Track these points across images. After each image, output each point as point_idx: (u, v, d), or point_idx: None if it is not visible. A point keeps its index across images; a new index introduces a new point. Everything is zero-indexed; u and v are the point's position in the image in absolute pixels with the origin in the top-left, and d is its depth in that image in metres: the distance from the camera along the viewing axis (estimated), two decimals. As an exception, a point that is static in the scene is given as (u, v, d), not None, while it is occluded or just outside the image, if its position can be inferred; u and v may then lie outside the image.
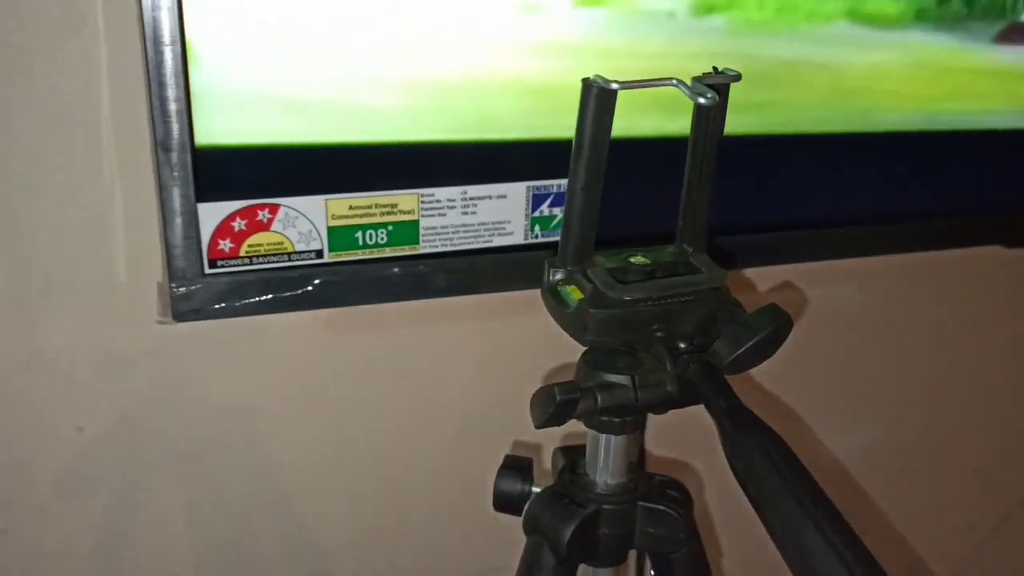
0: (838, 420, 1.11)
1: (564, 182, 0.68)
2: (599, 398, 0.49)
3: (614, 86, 0.41)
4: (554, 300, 0.48)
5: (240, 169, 0.58)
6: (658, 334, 0.46)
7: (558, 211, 0.68)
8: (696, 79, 0.42)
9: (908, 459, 1.19)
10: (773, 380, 1.03)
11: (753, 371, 1.04)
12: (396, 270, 0.64)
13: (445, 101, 0.61)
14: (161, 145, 0.54)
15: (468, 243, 0.66)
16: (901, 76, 0.76)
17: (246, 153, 0.58)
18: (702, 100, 0.41)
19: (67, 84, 0.57)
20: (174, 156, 0.55)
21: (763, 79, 0.71)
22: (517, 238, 0.68)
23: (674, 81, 0.41)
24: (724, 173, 0.74)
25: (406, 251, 0.65)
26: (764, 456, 0.44)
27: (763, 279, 0.97)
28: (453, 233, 0.66)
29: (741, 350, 0.45)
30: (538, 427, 0.50)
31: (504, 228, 0.67)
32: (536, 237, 0.69)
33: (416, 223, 0.64)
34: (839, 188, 0.82)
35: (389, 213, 0.63)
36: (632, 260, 0.48)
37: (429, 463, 0.85)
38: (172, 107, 0.54)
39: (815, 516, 0.41)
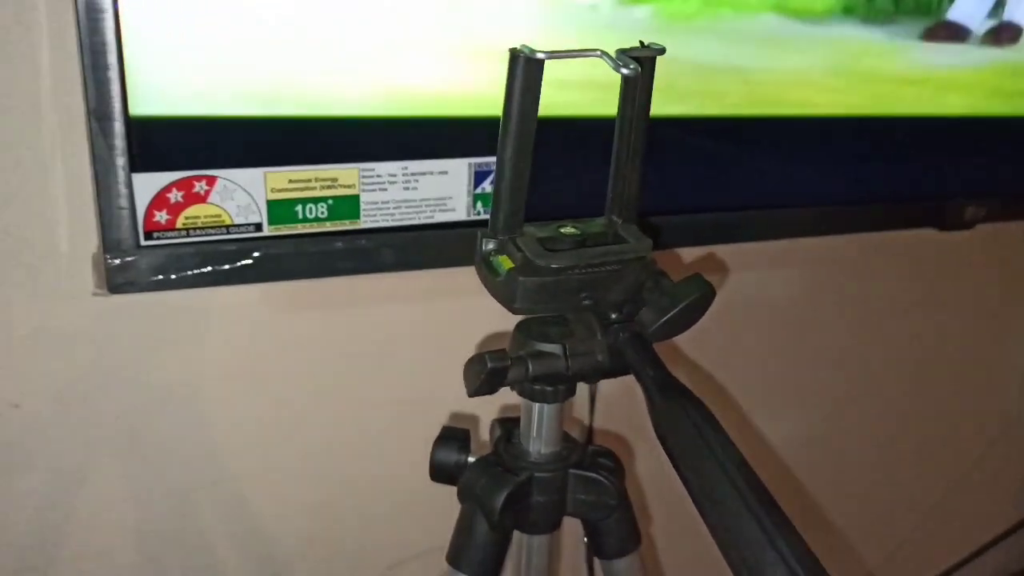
0: (776, 401, 1.14)
1: (506, 159, 0.69)
2: (531, 366, 0.50)
3: (540, 55, 0.42)
4: (486, 269, 0.49)
5: (176, 140, 0.58)
6: (585, 302, 0.47)
7: (500, 188, 0.69)
8: (620, 51, 0.43)
9: (846, 439, 1.23)
10: (711, 363, 1.06)
11: (695, 355, 1.06)
12: (337, 244, 0.64)
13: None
14: (94, 114, 0.54)
15: (410, 219, 0.67)
16: (822, 85, 0.78)
17: (182, 124, 0.57)
18: (625, 71, 0.42)
19: (5, 53, 0.56)
20: (107, 125, 0.54)
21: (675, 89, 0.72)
22: (460, 214, 0.69)
23: (599, 52, 0.42)
24: (663, 155, 0.76)
25: (347, 226, 0.65)
26: (688, 422, 0.45)
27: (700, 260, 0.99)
28: (395, 208, 0.66)
29: (665, 318, 0.47)
30: (471, 395, 0.51)
31: (446, 204, 0.68)
32: (479, 214, 0.69)
33: (357, 198, 0.64)
34: (780, 171, 0.84)
35: (329, 187, 0.63)
36: (562, 230, 0.49)
37: (374, 439, 0.85)
38: (106, 75, 0.53)
39: (734, 479, 0.42)
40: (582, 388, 0.56)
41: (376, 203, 0.65)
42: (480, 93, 0.65)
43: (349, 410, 0.84)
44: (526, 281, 0.46)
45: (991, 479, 1.41)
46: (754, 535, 0.40)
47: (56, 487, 0.76)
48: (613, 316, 0.50)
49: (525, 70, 0.43)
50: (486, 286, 0.49)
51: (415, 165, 0.65)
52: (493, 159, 0.69)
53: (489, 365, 0.48)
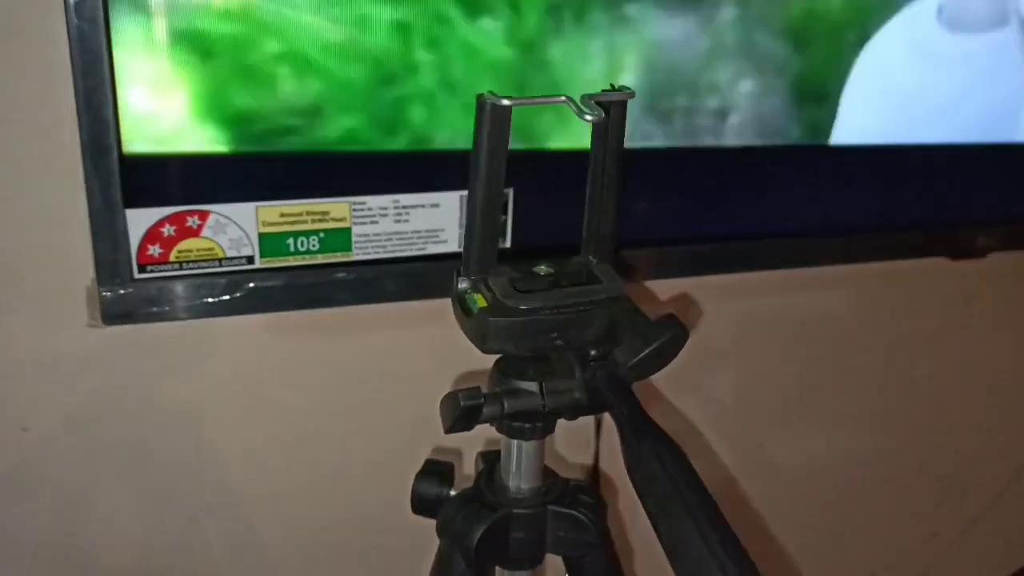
0: (796, 430, 1.12)
1: (498, 191, 0.70)
2: (506, 404, 0.51)
3: (506, 103, 0.43)
4: (460, 308, 0.49)
5: (169, 176, 0.59)
6: (557, 342, 0.47)
7: (492, 220, 0.70)
8: (586, 96, 0.44)
9: (868, 467, 1.20)
10: (729, 391, 1.05)
11: (714, 382, 1.05)
12: (329, 277, 0.65)
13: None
14: (88, 152, 0.55)
15: (402, 251, 0.68)
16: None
17: (175, 160, 0.59)
18: (588, 117, 0.42)
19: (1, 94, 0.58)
20: (101, 162, 0.56)
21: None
22: (451, 246, 0.69)
23: (563, 98, 0.42)
24: (661, 185, 0.76)
25: (339, 258, 0.66)
26: (658, 462, 0.45)
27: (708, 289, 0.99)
28: (386, 240, 0.67)
29: (638, 358, 0.47)
30: (446, 432, 0.51)
31: (438, 236, 0.68)
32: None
33: (348, 231, 0.65)
34: (785, 201, 0.84)
35: (320, 220, 0.64)
36: (536, 270, 0.49)
37: (378, 464, 0.86)
38: (100, 115, 0.55)
39: (700, 522, 0.42)
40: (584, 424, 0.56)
41: (367, 235, 0.66)
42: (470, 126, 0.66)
43: (353, 435, 0.85)
44: (496, 321, 0.46)
45: (1017, 510, 1.37)
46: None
47: (64, 509, 0.78)
48: (592, 353, 0.50)
49: (492, 116, 0.43)
50: (460, 324, 0.49)
51: (406, 198, 0.66)
52: (485, 191, 0.70)
53: (462, 404, 0.49)
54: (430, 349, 0.83)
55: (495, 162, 0.44)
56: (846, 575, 1.27)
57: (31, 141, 0.58)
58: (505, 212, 0.70)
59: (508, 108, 0.43)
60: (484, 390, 0.51)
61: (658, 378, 1.02)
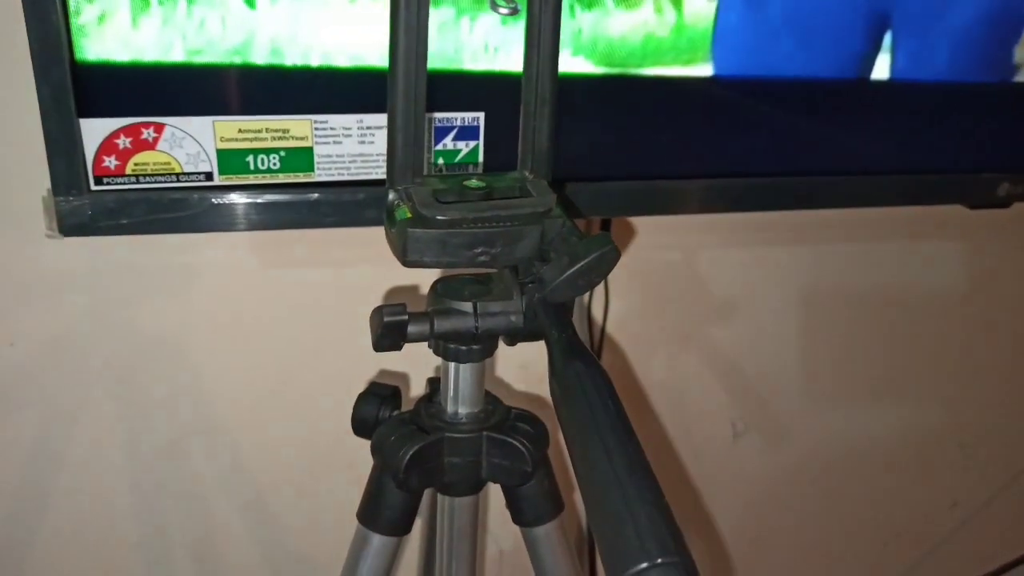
0: (807, 390, 1.08)
1: (469, 115, 0.68)
2: (435, 323, 0.49)
3: (419, -6, 0.40)
4: (387, 221, 0.47)
5: (123, 86, 0.58)
6: (481, 258, 0.46)
7: (462, 144, 0.67)
8: (506, -10, 0.41)
9: (889, 433, 1.16)
10: (738, 344, 1.02)
11: (723, 334, 1.02)
12: (286, 197, 0.64)
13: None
14: (38, 59, 0.55)
15: (366, 173, 0.66)
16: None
17: (129, 70, 0.58)
18: (502, 11, 0.39)
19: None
20: (52, 70, 0.55)
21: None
22: (420, 171, 0.67)
23: (478, -9, 0.40)
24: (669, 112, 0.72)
25: (300, 178, 0.65)
26: (579, 385, 0.43)
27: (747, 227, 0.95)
28: (350, 162, 0.65)
29: (563, 276, 0.44)
30: (375, 349, 0.50)
31: (406, 160, 0.66)
32: (440, 170, 0.68)
33: (310, 150, 0.64)
34: (795, 136, 0.79)
35: (281, 138, 0.63)
36: (466, 183, 0.47)
37: (352, 390, 0.86)
38: (49, 20, 0.54)
39: (608, 445, 0.40)
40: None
41: (331, 156, 0.65)
42: (441, 46, 0.64)
43: (336, 365, 0.85)
44: (415, 232, 0.44)
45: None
46: (616, 505, 0.38)
47: (50, 425, 0.80)
48: (530, 276, 0.48)
49: (407, 9, 0.41)
50: (386, 238, 0.48)
51: (371, 119, 0.64)
52: (454, 114, 0.68)
53: (384, 319, 0.47)
54: (413, 273, 0.81)
55: (413, 60, 0.42)
56: (860, 541, 1.23)
57: (14, 48, 0.58)
58: (476, 137, 0.68)
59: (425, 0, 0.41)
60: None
61: (666, 327, 1.00)
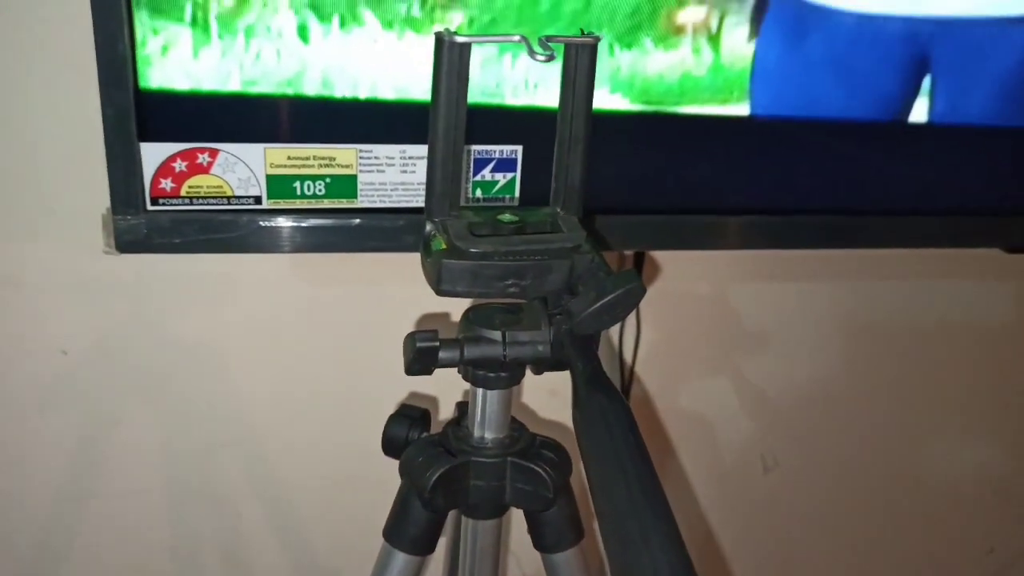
0: (837, 427, 1.08)
1: (507, 148, 0.70)
2: (465, 350, 0.51)
3: (462, 40, 0.43)
4: (424, 251, 0.49)
5: (182, 113, 0.62)
6: (511, 290, 0.47)
7: (500, 176, 0.70)
8: (543, 38, 0.43)
9: (924, 474, 1.15)
10: (768, 377, 1.02)
11: (753, 366, 1.02)
12: (330, 221, 0.66)
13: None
14: (104, 84, 0.59)
15: (407, 201, 0.68)
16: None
17: (188, 98, 0.61)
18: (539, 57, 0.41)
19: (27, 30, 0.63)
20: (117, 96, 0.59)
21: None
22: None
23: (517, 38, 0.42)
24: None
25: (344, 204, 0.67)
26: (602, 419, 0.44)
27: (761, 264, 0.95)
28: (392, 190, 0.68)
29: (589, 310, 0.46)
30: (407, 372, 0.52)
31: (445, 189, 0.69)
32: (478, 201, 0.70)
33: (354, 178, 0.67)
34: (830, 176, 0.80)
35: (327, 166, 0.66)
36: (500, 217, 0.49)
37: (384, 411, 0.88)
38: (117, 50, 0.58)
39: (629, 480, 0.41)
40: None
41: (373, 184, 0.67)
42: (483, 81, 0.66)
43: (368, 384, 0.87)
44: (449, 264, 0.46)
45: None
46: (633, 536, 0.39)
47: (90, 429, 0.84)
48: (558, 308, 0.50)
49: (450, 54, 0.43)
50: (422, 266, 0.50)
51: (413, 149, 0.67)
52: (493, 147, 0.70)
53: (417, 345, 0.49)
54: (446, 301, 0.83)
55: (453, 101, 0.44)
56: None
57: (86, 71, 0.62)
58: (514, 169, 0.70)
59: (467, 45, 0.43)
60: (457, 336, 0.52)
61: (697, 360, 1.01)
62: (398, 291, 0.84)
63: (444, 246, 0.48)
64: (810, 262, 0.98)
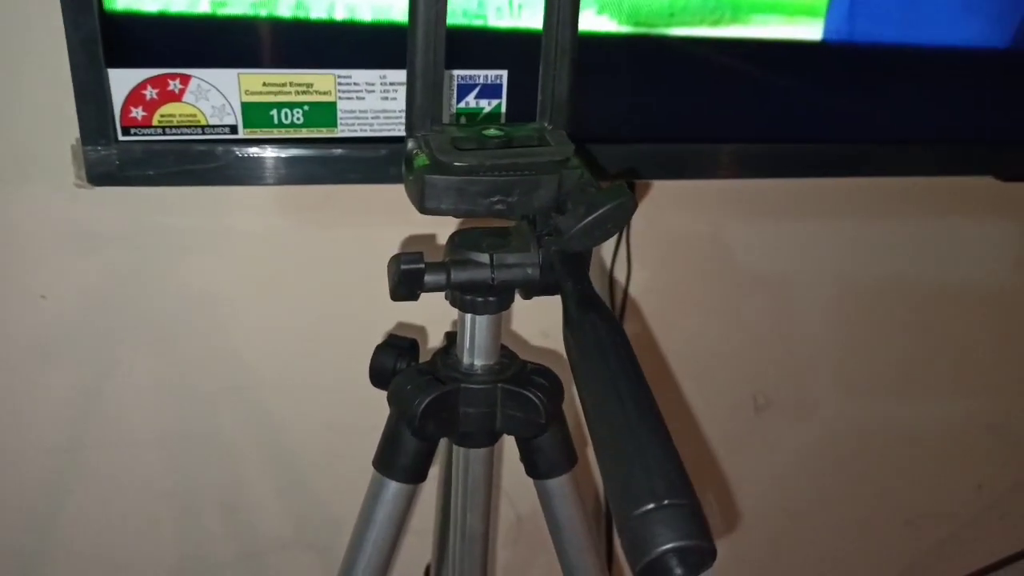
0: (833, 365, 1.07)
1: (492, 73, 0.67)
2: (452, 273, 0.49)
3: (440, -63, 0.40)
4: (406, 169, 0.48)
5: (151, 37, 0.59)
6: (498, 207, 0.46)
7: (485, 102, 0.67)
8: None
9: (916, 412, 1.15)
10: (764, 317, 1.01)
11: (749, 306, 1.01)
12: (310, 152, 0.64)
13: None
14: (68, 8, 0.56)
15: (388, 130, 0.66)
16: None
17: (157, 21, 0.59)
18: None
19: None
20: (82, 19, 0.56)
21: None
22: (442, 128, 0.67)
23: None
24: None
25: (324, 133, 0.65)
26: (592, 337, 0.43)
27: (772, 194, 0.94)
28: (373, 118, 0.66)
29: (579, 225, 0.44)
30: (392, 298, 0.50)
31: (428, 117, 0.66)
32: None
33: (333, 105, 0.64)
34: (805, 101, 0.78)
35: (305, 92, 0.63)
36: (485, 132, 0.47)
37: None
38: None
39: (621, 394, 0.40)
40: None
41: (354, 112, 0.65)
42: (466, 2, 0.63)
43: (359, 321, 0.85)
44: (433, 179, 0.44)
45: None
46: (625, 448, 0.38)
47: (84, 379, 0.82)
48: (547, 228, 0.48)
49: (427, -49, 0.41)
50: (405, 187, 0.48)
51: (393, 74, 0.64)
52: (477, 72, 0.67)
53: (401, 267, 0.48)
54: (431, 227, 0.82)
55: (432, 5, 0.42)
56: (883, 519, 1.23)
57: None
58: (499, 95, 0.68)
59: (444, -55, 0.41)
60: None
61: (689, 298, 0.99)
62: (384, 228, 0.82)
63: (427, 162, 0.46)
64: (804, 198, 0.96)
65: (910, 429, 1.16)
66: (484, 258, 0.50)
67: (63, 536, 0.87)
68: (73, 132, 0.64)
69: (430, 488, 0.64)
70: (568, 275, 0.46)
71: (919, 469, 1.20)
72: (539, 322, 0.89)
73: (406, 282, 0.48)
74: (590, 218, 0.44)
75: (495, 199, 0.45)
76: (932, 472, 1.21)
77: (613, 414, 0.39)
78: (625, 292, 0.93)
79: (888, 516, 1.23)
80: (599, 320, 0.43)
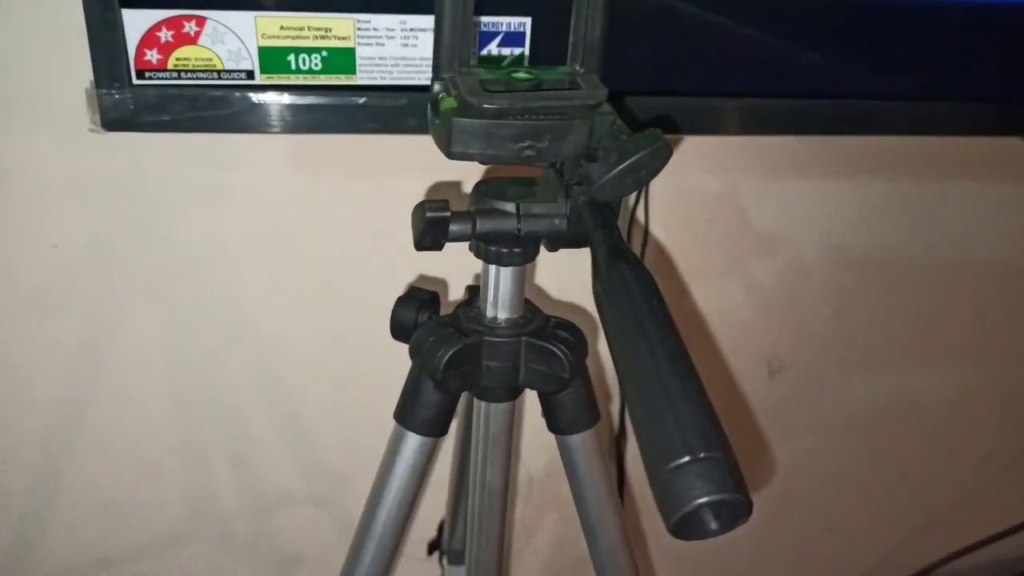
0: (844, 328, 1.06)
1: (515, 20, 0.65)
2: (477, 223, 0.48)
3: None
4: (432, 112, 0.46)
5: (165, -24, 0.57)
6: (527, 152, 0.44)
7: (507, 51, 0.65)
8: None
9: (927, 381, 1.14)
10: (777, 279, 0.99)
11: (761, 267, 0.99)
12: (328, 100, 0.63)
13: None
14: (80, -57, 0.54)
15: (409, 78, 0.64)
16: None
17: (171, -41, 0.57)
18: None
19: None
20: (94, -44, 0.55)
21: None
22: (464, 78, 0.65)
23: None
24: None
25: (342, 80, 0.63)
26: (624, 287, 0.41)
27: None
28: (392, 66, 0.64)
29: (611, 173, 0.43)
30: (416, 247, 0.49)
31: (449, 65, 0.65)
32: (485, 74, 0.66)
33: (352, 51, 0.62)
34: (825, 56, 0.76)
35: (323, 37, 0.62)
36: (514, 75, 0.46)
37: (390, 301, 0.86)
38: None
39: (653, 346, 0.39)
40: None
41: (373, 59, 0.63)
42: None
43: (375, 274, 0.84)
44: (461, 122, 0.43)
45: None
46: (658, 401, 0.37)
47: (90, 330, 0.81)
48: (576, 177, 0.47)
49: None
50: (431, 132, 0.47)
51: (414, 20, 0.62)
52: (499, 19, 0.65)
53: (427, 215, 0.46)
54: (456, 186, 0.80)
55: (464, -60, 0.40)
56: (890, 487, 1.22)
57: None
58: (522, 43, 0.66)
59: None
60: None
61: (704, 261, 0.98)
62: (402, 180, 0.80)
63: (455, 104, 0.44)
64: (823, 160, 0.94)
65: (920, 397, 1.15)
66: (510, 207, 0.48)
67: (67, 491, 0.87)
68: (86, 76, 0.62)
69: (444, 442, 0.64)
70: (597, 224, 0.45)
71: (927, 437, 1.20)
72: (559, 277, 0.88)
73: (431, 231, 0.47)
74: (623, 165, 0.43)
75: (525, 144, 0.44)
76: (940, 441, 1.21)
77: (644, 365, 0.38)
78: (642, 255, 0.92)
79: (896, 483, 1.23)
80: (629, 271, 0.42)
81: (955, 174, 0.99)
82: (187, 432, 0.88)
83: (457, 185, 0.80)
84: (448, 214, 0.47)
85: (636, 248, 0.92)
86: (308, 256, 0.83)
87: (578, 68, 0.47)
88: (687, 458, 0.34)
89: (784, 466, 1.14)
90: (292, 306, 0.85)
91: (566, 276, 0.87)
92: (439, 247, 0.49)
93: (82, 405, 0.84)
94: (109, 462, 0.87)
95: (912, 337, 1.10)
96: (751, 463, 1.11)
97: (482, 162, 0.45)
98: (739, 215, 0.95)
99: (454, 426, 0.59)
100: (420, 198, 0.81)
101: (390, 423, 0.56)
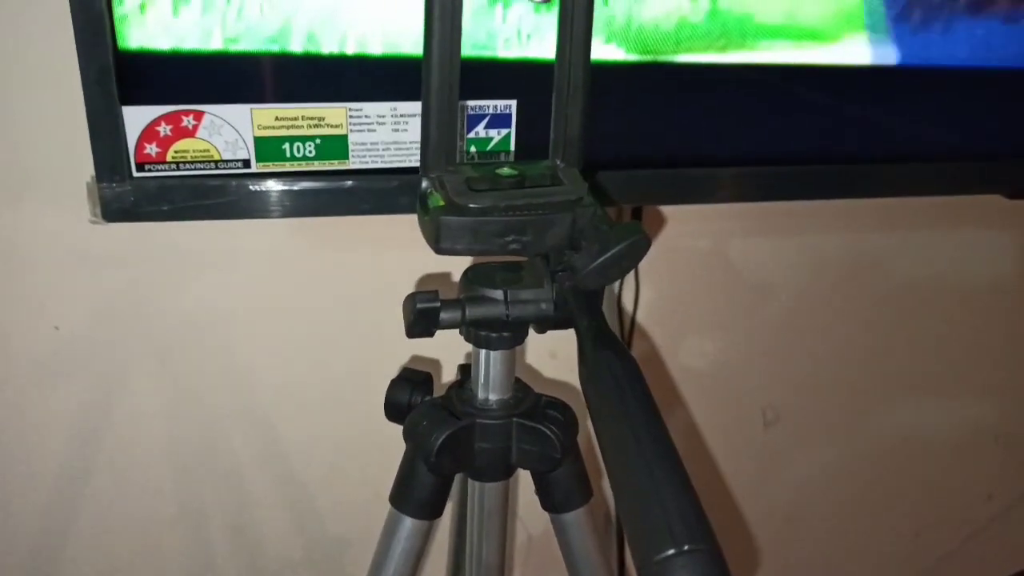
0: (842, 376, 1.07)
1: (501, 103, 0.68)
2: (467, 310, 0.50)
3: (453, -16, 0.41)
4: (421, 209, 0.48)
5: (165, 74, 0.60)
6: (512, 246, 0.46)
7: (495, 132, 0.68)
8: (540, -21, 0.41)
9: (925, 423, 1.15)
10: (776, 327, 1.01)
11: (761, 316, 1.01)
12: (322, 184, 0.65)
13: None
14: (82, 46, 0.56)
15: (400, 161, 0.67)
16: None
17: (170, 58, 0.59)
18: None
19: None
20: (96, 57, 0.57)
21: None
22: (453, 158, 0.68)
23: (513, -20, 0.40)
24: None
25: (335, 165, 0.65)
26: (610, 375, 0.43)
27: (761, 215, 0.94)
28: (384, 150, 0.66)
29: (593, 264, 0.45)
30: (408, 335, 0.51)
31: (439, 148, 0.67)
32: (472, 159, 0.68)
33: (345, 137, 0.65)
34: (807, 123, 0.78)
35: (317, 126, 0.64)
36: (499, 171, 0.48)
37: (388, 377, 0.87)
38: (95, 9, 0.56)
39: (637, 431, 0.40)
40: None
41: (365, 144, 0.65)
42: (474, 33, 0.64)
43: (369, 350, 0.86)
44: (448, 220, 0.45)
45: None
46: (644, 491, 0.38)
47: (92, 402, 0.82)
48: (560, 264, 0.49)
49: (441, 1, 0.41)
50: (419, 225, 0.48)
51: (404, 106, 0.65)
52: (487, 102, 0.68)
53: (417, 306, 0.48)
54: (445, 260, 0.82)
55: (447, 45, 0.43)
56: (892, 530, 1.22)
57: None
58: (508, 125, 0.68)
59: (457, -8, 0.41)
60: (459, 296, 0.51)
61: (697, 316, 0.99)
62: (397, 254, 0.82)
63: (442, 202, 0.46)
64: (810, 216, 0.97)
65: (919, 440, 1.16)
66: (498, 294, 0.50)
67: (71, 557, 0.87)
68: (77, 164, 0.64)
69: (442, 518, 0.64)
70: (582, 311, 0.46)
71: (928, 480, 1.20)
72: (548, 342, 0.89)
73: (422, 320, 0.48)
74: (604, 257, 0.44)
75: (509, 238, 0.46)
76: (942, 483, 1.21)
77: (630, 455, 0.39)
78: (634, 310, 0.93)
79: (898, 526, 1.23)
80: (615, 358, 0.43)
81: (942, 226, 1.01)
82: (188, 498, 0.89)
83: (447, 276, 0.83)
84: (438, 304, 0.48)
85: (627, 308, 0.93)
86: (306, 328, 0.85)
87: (559, 162, 0.49)
88: (672, 551, 0.34)
89: (782, 513, 1.14)
90: (293, 374, 0.87)
91: (557, 355, 0.89)
92: (430, 334, 0.50)
93: (83, 477, 0.84)
94: (111, 528, 0.87)
95: (906, 381, 1.11)
96: (746, 512, 1.11)
97: (469, 255, 0.47)
98: (729, 271, 0.97)
99: (449, 504, 0.60)
100: (417, 265, 0.84)
101: (389, 490, 0.57)
